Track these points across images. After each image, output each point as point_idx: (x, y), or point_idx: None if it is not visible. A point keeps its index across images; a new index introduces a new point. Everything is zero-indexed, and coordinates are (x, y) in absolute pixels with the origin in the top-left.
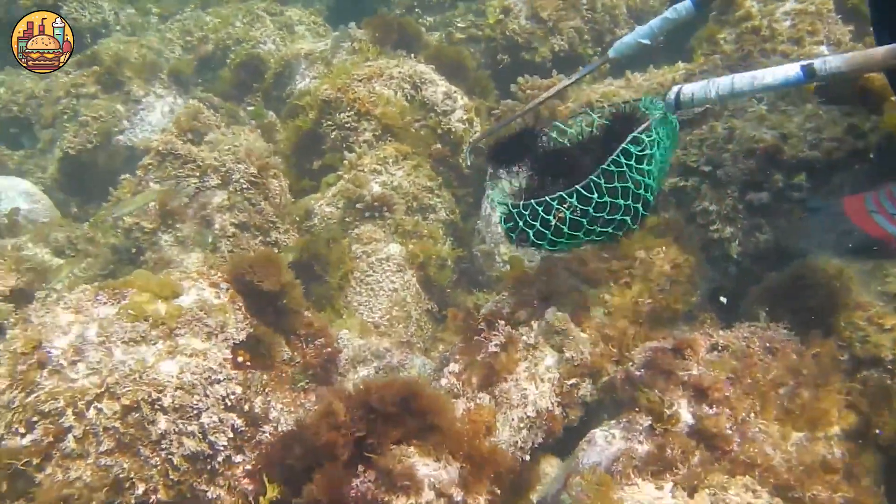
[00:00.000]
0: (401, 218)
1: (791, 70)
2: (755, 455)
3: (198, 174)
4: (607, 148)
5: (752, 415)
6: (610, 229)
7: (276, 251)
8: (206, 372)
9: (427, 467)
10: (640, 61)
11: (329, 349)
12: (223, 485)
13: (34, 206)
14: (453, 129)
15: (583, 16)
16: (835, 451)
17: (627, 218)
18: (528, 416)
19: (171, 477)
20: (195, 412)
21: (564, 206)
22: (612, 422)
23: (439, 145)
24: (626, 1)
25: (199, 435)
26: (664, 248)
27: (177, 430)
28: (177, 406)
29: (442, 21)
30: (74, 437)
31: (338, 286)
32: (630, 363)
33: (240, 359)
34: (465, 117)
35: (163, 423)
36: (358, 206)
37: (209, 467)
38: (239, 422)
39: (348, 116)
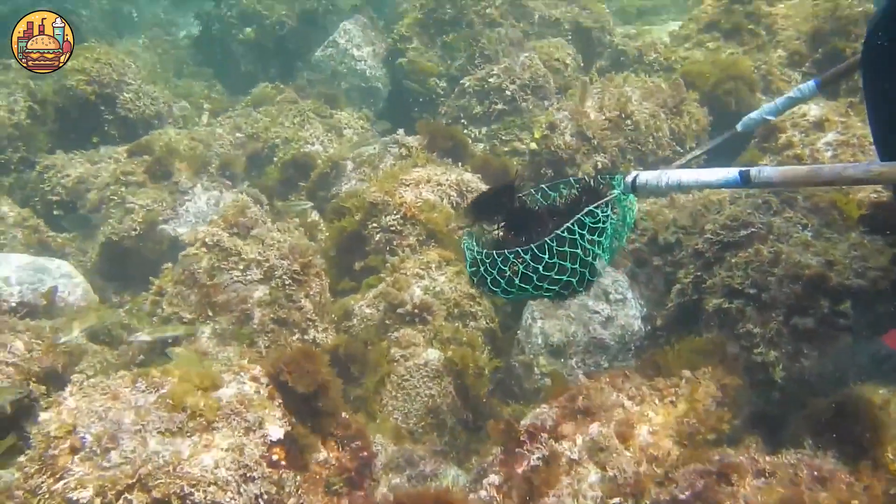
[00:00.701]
0: (441, 324)
1: (731, 173)
2: None
3: (241, 267)
4: (570, 215)
5: None
6: (557, 288)
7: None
8: (241, 469)
9: None
10: None
11: (365, 453)
12: None
13: (74, 289)
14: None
15: (626, 136)
16: None
17: (574, 280)
18: None
19: None
20: None
21: (519, 260)
22: None
23: None
24: (669, 124)
25: None
26: (710, 368)
27: None
28: (209, 502)
29: (487, 133)
30: None
31: (374, 389)
32: (674, 484)
33: (275, 457)
34: None
35: None
36: (399, 310)
37: None
38: None
39: (394, 220)
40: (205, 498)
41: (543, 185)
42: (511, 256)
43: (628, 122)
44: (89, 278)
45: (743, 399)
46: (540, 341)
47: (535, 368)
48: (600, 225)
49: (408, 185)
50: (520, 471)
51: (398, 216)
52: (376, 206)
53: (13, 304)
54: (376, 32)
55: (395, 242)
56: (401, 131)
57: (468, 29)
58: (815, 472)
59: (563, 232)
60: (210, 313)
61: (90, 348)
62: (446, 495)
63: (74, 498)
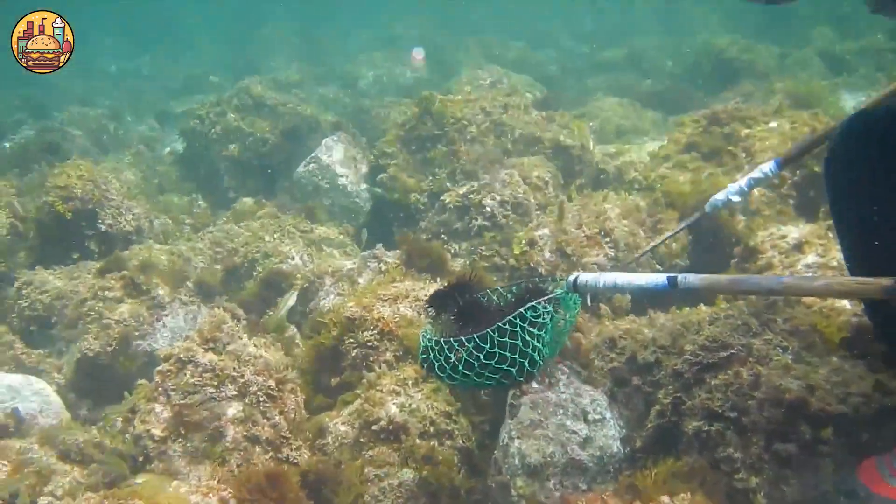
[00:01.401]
0: (416, 443)
1: (660, 279)
2: None
3: (215, 384)
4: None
5: None
6: (498, 376)
7: (286, 468)
8: None
9: None
10: (663, 302)
11: None
12: None
13: (46, 407)
14: None
15: (605, 253)
16: None
17: (513, 370)
18: None
19: None
20: None
21: (463, 348)
22: None
23: None
24: (648, 242)
25: None
26: (689, 493)
27: None
28: None
29: (467, 248)
30: None
31: None
32: None
33: None
34: None
35: None
36: (374, 427)
37: None
38: None
39: (371, 335)
40: None
41: (499, 287)
42: (456, 344)
43: (608, 239)
44: (63, 395)
45: None
46: (517, 461)
47: (512, 490)
48: (540, 320)
49: (385, 301)
50: None
51: (375, 332)
52: (353, 322)
53: None
54: (358, 149)
55: (371, 358)
56: (380, 246)
57: (449, 146)
58: None
59: (504, 324)
60: (182, 431)
61: (60, 468)
62: None
63: None
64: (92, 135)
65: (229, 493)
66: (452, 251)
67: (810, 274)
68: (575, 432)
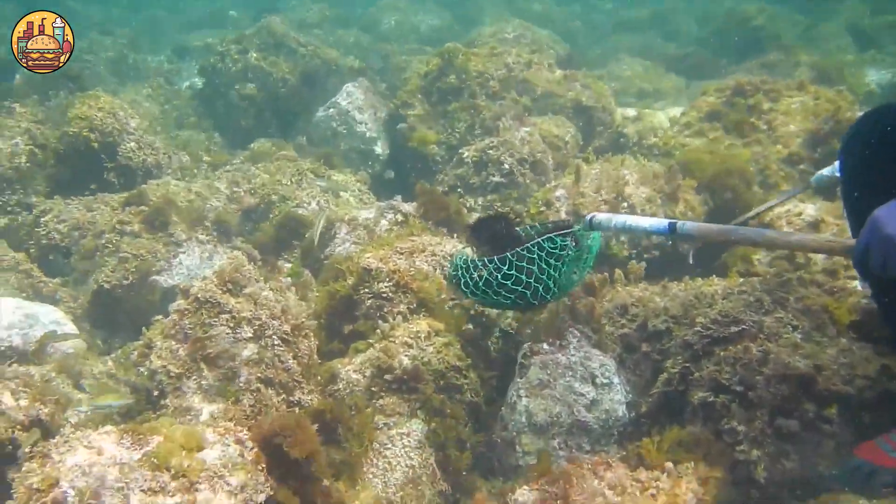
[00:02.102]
0: (427, 394)
1: (662, 223)
2: None
3: (232, 325)
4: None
5: None
6: (513, 297)
7: (298, 411)
8: None
9: None
10: (676, 270)
11: None
12: None
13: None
14: (486, 312)
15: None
16: None
17: (528, 293)
18: None
19: None
20: None
21: (485, 268)
22: None
23: (471, 326)
24: (665, 210)
25: None
26: (693, 462)
27: None
28: None
29: (483, 204)
30: None
31: (355, 455)
32: None
33: None
34: None
35: None
36: (386, 377)
37: None
38: None
39: (386, 287)
40: None
41: (535, 224)
42: (479, 264)
43: (624, 204)
44: (78, 324)
45: (724, 496)
46: (524, 419)
47: (517, 446)
48: (558, 252)
49: (402, 254)
50: None
51: (391, 283)
52: (369, 272)
53: (2, 349)
54: (378, 96)
55: (385, 309)
56: (398, 197)
57: (470, 99)
58: None
59: (522, 250)
60: (197, 368)
61: (75, 397)
62: None
63: None
64: (111, 64)
65: (246, 434)
66: (468, 206)
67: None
68: (582, 394)
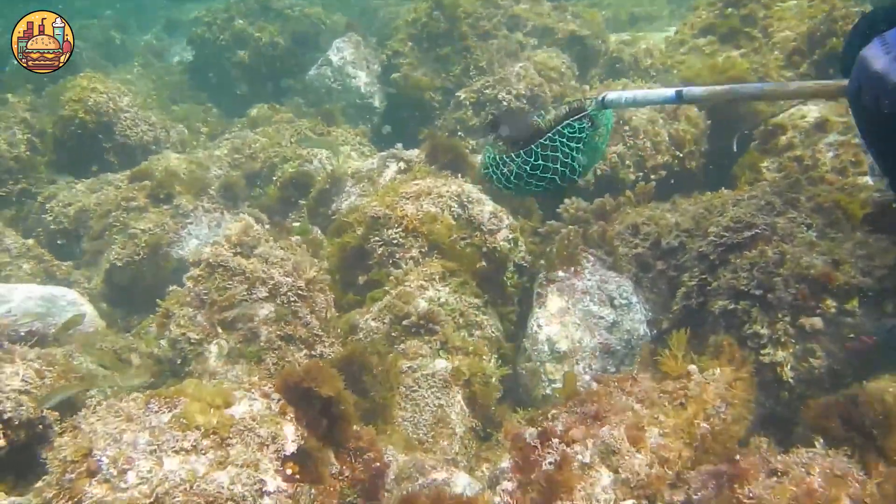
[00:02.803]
0: (447, 334)
1: (668, 92)
2: None
3: (246, 286)
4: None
5: None
6: (544, 184)
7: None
8: (256, 483)
9: None
10: (685, 188)
11: (378, 464)
12: None
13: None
14: (498, 248)
15: (625, 142)
16: None
17: (556, 178)
18: None
19: None
20: None
21: (513, 162)
22: None
23: (484, 263)
24: (667, 129)
25: None
26: (718, 369)
27: None
28: None
29: (483, 144)
30: None
31: (383, 400)
32: (686, 486)
33: (289, 471)
34: (510, 236)
35: None
36: (404, 322)
37: None
38: None
39: (396, 233)
40: None
41: (548, 110)
42: (507, 160)
43: (626, 128)
44: (95, 305)
45: (753, 400)
46: (546, 348)
47: (542, 375)
48: (577, 134)
49: (408, 198)
50: (532, 476)
51: (400, 229)
52: (378, 220)
53: (22, 334)
54: (369, 49)
55: (397, 255)
56: (399, 145)
57: (461, 41)
58: (828, 471)
59: (546, 140)
60: (218, 332)
61: (100, 372)
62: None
63: None
64: (99, 47)
65: (271, 387)
66: (469, 147)
67: (832, 152)
68: (602, 317)
